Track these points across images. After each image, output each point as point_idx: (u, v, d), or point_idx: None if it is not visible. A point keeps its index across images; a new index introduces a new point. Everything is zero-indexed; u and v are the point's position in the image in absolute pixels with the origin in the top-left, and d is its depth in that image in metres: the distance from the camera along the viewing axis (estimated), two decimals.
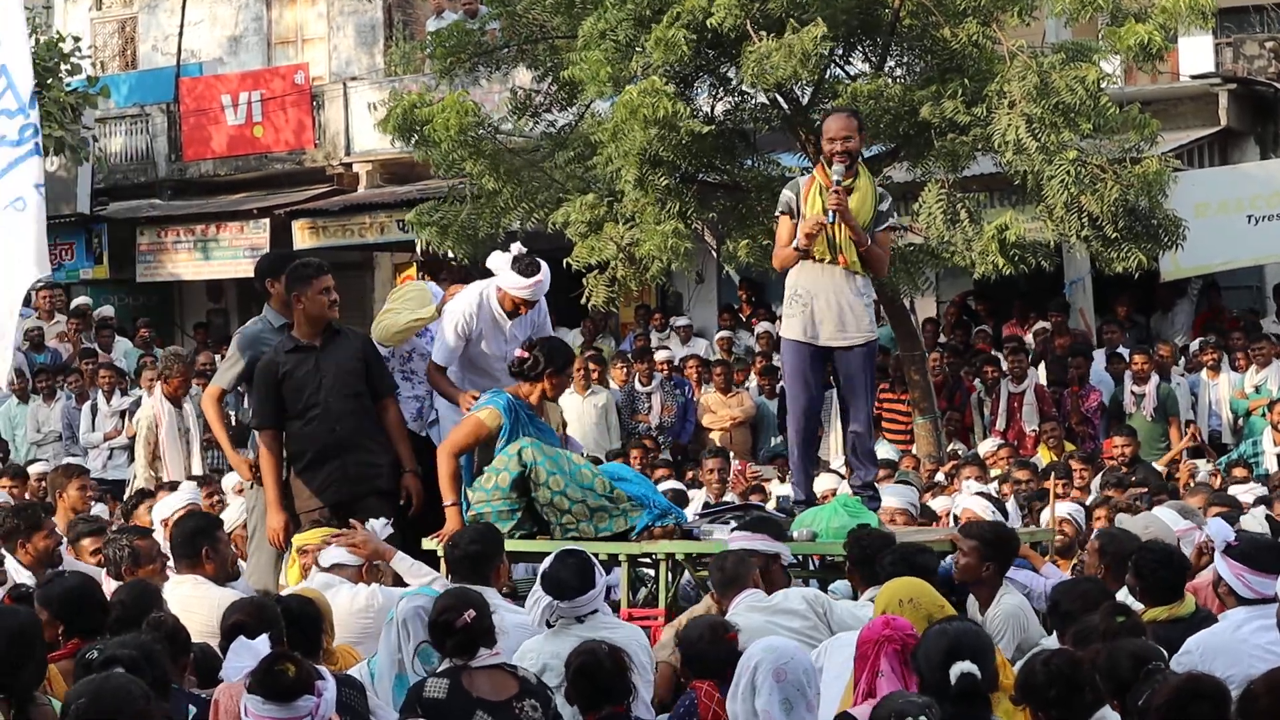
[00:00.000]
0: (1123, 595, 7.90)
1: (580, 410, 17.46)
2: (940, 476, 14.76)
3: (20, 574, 8.84)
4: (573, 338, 20.92)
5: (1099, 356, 17.99)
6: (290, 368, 9.17)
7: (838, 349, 9.27)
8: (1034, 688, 5.62)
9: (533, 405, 8.99)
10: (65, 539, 10.01)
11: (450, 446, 8.90)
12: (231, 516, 10.91)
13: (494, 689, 6.35)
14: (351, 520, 8.34)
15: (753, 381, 18.64)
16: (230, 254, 24.78)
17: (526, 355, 8.97)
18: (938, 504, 12.53)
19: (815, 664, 6.65)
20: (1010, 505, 11.60)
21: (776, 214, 9.49)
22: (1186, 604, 7.53)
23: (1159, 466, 15.30)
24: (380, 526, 8.09)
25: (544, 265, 9.41)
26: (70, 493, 11.28)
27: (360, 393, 9.24)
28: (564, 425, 9.33)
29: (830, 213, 9.08)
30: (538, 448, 8.76)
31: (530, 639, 7.13)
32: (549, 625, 7.11)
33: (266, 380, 9.21)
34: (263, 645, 5.32)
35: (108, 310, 22.91)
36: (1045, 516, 10.60)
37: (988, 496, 10.75)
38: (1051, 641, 7.29)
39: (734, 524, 8.39)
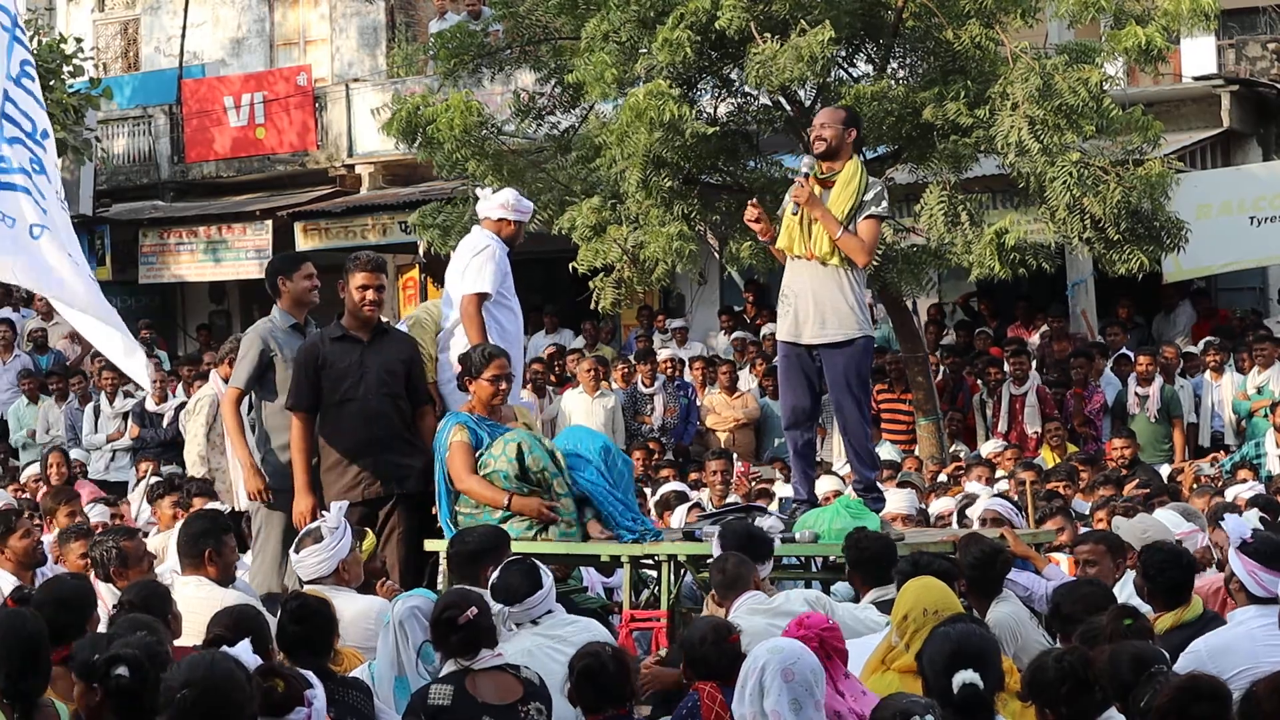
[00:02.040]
0: (1127, 597, 7.90)
1: (589, 411, 17.49)
2: (943, 477, 14.77)
3: (3, 578, 8.84)
4: (577, 340, 20.96)
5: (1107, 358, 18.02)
6: (333, 356, 9.13)
7: (822, 347, 9.22)
8: (1045, 684, 5.61)
9: (485, 415, 8.99)
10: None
11: (462, 474, 8.86)
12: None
13: (498, 692, 6.34)
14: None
15: (754, 382, 18.65)
16: (233, 256, 24.80)
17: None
18: (941, 505, 12.55)
19: None
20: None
21: (779, 214, 9.50)
22: (1194, 607, 7.51)
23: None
24: (337, 511, 8.05)
25: None
26: (60, 519, 11.17)
27: (400, 395, 9.23)
28: (532, 427, 9.35)
29: (794, 205, 9.09)
30: (532, 441, 8.87)
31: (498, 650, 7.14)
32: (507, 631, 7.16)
33: (307, 364, 9.15)
34: (244, 650, 5.29)
35: None
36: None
37: (1007, 497, 10.75)
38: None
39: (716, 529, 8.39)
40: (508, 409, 9.19)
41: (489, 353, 9.01)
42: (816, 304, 9.16)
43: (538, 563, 7.35)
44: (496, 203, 9.78)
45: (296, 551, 7.95)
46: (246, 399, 9.67)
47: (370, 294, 9.21)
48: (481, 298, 9.44)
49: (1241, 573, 7.10)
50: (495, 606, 7.10)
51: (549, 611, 7.21)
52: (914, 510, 11.75)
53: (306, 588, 7.79)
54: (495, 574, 7.24)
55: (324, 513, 8.14)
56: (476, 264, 9.52)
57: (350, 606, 7.57)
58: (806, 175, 9.15)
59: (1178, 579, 7.54)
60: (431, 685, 6.40)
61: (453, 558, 7.77)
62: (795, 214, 9.11)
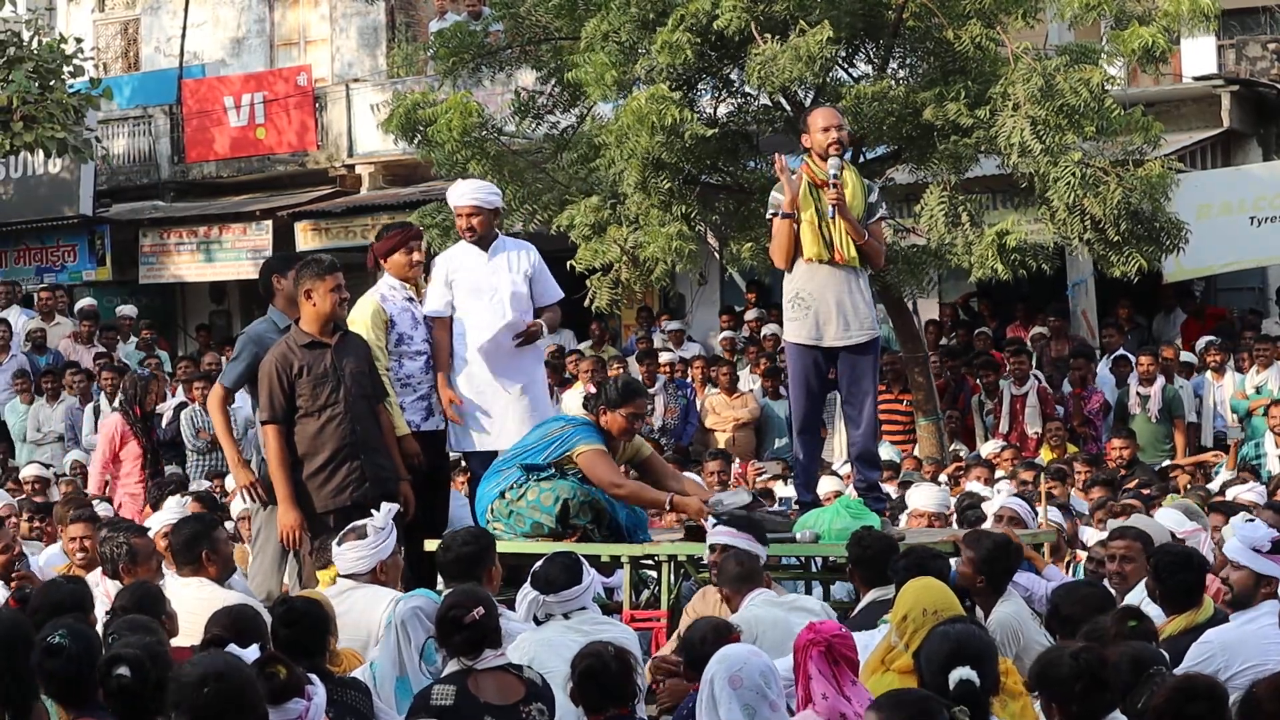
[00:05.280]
0: (1142, 599, 7.88)
1: None
2: (943, 478, 14.76)
3: None
4: (571, 338, 20.96)
5: (1102, 359, 18.02)
6: (308, 363, 9.10)
7: (843, 349, 9.26)
8: (1059, 680, 5.59)
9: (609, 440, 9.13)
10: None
11: (610, 475, 8.98)
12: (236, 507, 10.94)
13: (500, 693, 6.34)
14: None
15: (757, 383, 18.64)
16: (233, 256, 24.79)
17: (594, 389, 9.18)
18: None
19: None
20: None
21: (768, 216, 9.48)
22: (1205, 609, 7.50)
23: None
24: (386, 512, 8.07)
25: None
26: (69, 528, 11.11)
27: (371, 395, 9.26)
28: (642, 449, 9.50)
29: (831, 208, 9.08)
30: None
31: (521, 635, 7.17)
32: (536, 621, 7.17)
33: (280, 374, 9.09)
34: (253, 654, 5.34)
35: (130, 310, 22.95)
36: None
37: (1023, 497, 10.76)
38: None
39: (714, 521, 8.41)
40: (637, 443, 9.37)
41: (631, 388, 9.23)
42: (839, 306, 9.19)
43: (582, 559, 7.39)
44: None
45: (339, 544, 7.96)
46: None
47: (344, 293, 9.24)
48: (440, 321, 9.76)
49: (1276, 571, 7.15)
50: (531, 593, 7.12)
51: (583, 608, 7.24)
52: (945, 507, 11.48)
53: (340, 581, 7.85)
54: (539, 564, 7.32)
55: (373, 512, 8.13)
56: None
57: (366, 605, 7.62)
58: (835, 177, 9.12)
59: (1190, 581, 7.54)
60: (434, 685, 6.40)
61: (442, 564, 7.78)
62: (832, 218, 9.11)
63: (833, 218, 9.09)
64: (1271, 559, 7.21)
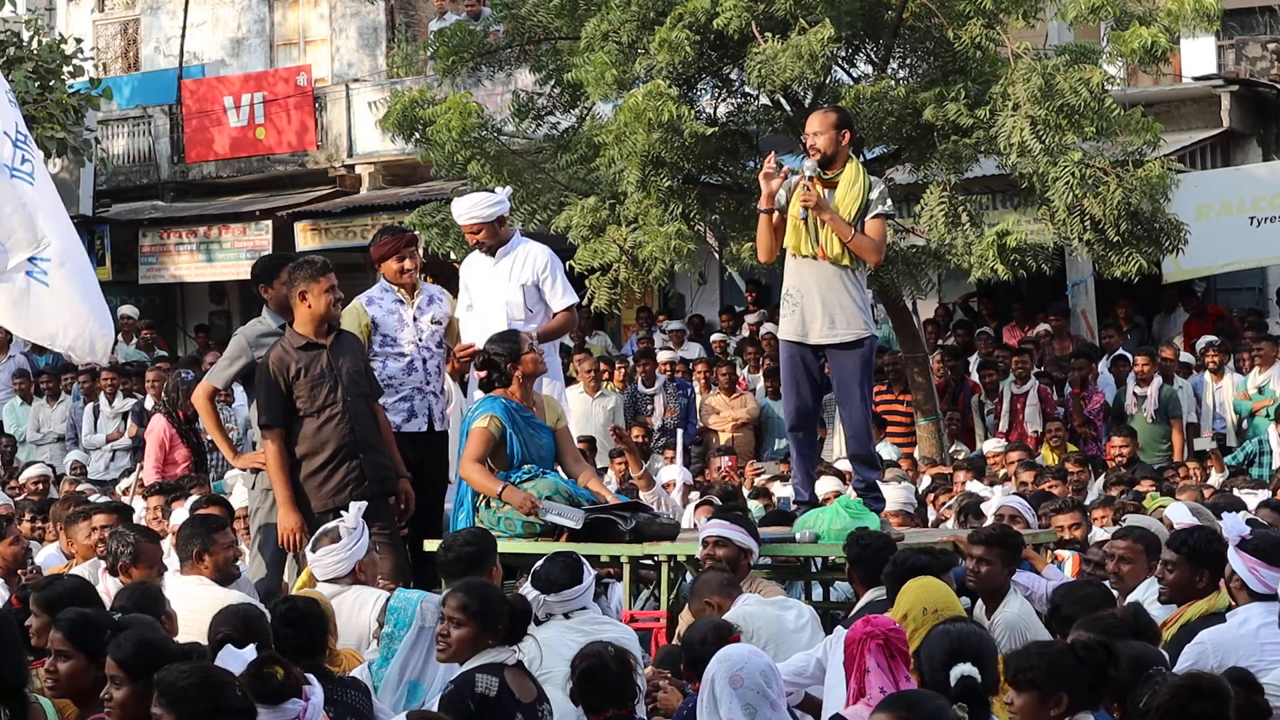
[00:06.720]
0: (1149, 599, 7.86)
1: (589, 412, 17.47)
2: (927, 479, 14.73)
3: None
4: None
5: (1102, 359, 18.03)
6: (304, 365, 9.10)
7: (830, 347, 9.22)
8: (1072, 667, 5.56)
9: (521, 400, 9.08)
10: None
11: (470, 457, 8.97)
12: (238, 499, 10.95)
13: (521, 690, 6.40)
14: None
15: (759, 383, 18.65)
16: (232, 256, 24.80)
17: (484, 375, 9.11)
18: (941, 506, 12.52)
19: (822, 658, 6.64)
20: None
21: (756, 209, 9.50)
22: (1222, 598, 7.47)
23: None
24: (355, 512, 8.07)
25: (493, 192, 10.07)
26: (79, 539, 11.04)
27: (369, 394, 9.26)
28: (561, 419, 9.43)
29: (803, 210, 9.08)
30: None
31: None
32: (536, 621, 7.17)
33: (277, 378, 9.08)
34: (250, 655, 5.34)
35: (130, 310, 22.94)
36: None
37: (1025, 496, 10.72)
38: None
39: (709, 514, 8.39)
40: (539, 397, 9.25)
41: (508, 332, 9.26)
42: (824, 304, 9.14)
43: (582, 558, 7.40)
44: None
45: (313, 550, 7.95)
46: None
47: (339, 293, 9.22)
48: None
49: (1242, 570, 7.11)
50: (531, 593, 7.13)
51: (583, 608, 7.26)
52: (910, 505, 11.51)
53: (319, 586, 7.81)
54: (539, 563, 7.35)
55: (342, 512, 8.17)
56: None
57: (351, 608, 7.61)
58: (811, 178, 9.11)
59: (1221, 551, 7.49)
60: (477, 675, 6.38)
61: (442, 564, 7.78)
62: (804, 218, 9.09)
63: (804, 216, 9.09)
64: (1240, 554, 7.17)
